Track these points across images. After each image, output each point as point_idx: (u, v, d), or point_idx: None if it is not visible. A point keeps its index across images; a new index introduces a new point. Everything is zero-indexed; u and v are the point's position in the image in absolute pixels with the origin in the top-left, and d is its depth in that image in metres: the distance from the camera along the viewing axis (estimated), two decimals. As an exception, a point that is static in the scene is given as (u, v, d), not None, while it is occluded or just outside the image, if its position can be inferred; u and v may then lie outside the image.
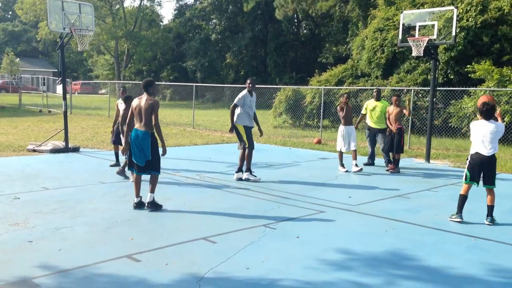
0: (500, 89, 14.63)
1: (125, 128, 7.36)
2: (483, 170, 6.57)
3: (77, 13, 12.25)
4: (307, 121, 21.04)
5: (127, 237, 5.53)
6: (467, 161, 6.71)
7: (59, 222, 6.03)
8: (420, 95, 16.93)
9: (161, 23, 52.96)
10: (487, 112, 6.53)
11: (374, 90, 11.57)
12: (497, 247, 5.58)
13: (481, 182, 6.68)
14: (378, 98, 11.32)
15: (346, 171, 10.38)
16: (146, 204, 6.78)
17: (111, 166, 10.21)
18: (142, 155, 6.75)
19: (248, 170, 9.21)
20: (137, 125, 6.84)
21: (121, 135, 9.14)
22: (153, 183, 6.86)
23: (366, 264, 4.90)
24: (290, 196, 7.89)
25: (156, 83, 7.26)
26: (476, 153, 6.55)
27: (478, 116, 6.67)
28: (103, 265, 4.66)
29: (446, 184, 9.39)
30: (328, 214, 6.83)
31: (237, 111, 9.24)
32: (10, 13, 75.96)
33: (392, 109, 10.74)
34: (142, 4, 49.08)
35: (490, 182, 6.63)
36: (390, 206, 7.40)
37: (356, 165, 10.37)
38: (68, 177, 9.08)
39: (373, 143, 11.48)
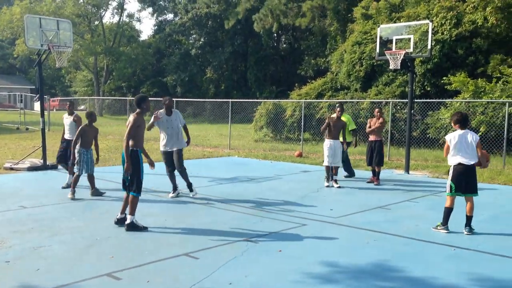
0: (475, 100, 14.93)
1: (77, 147, 8.51)
2: (466, 179, 6.62)
3: (55, 29, 12.15)
4: (288, 135, 21.14)
5: (107, 255, 5.44)
6: (450, 173, 6.72)
7: (37, 241, 5.91)
8: (398, 107, 17.18)
9: (139, 39, 52.84)
10: (464, 121, 6.69)
11: (337, 105, 10.74)
12: (477, 256, 5.65)
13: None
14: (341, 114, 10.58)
15: (327, 186, 10.27)
16: (125, 226, 6.54)
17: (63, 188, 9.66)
18: (124, 172, 6.63)
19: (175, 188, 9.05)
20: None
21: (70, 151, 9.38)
22: (131, 205, 6.54)
23: (351, 277, 4.90)
24: (272, 210, 7.88)
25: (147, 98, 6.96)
26: (459, 163, 6.60)
27: (456, 126, 6.77)
28: (83, 283, 4.57)
29: (425, 194, 9.50)
30: (310, 227, 6.83)
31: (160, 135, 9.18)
32: (-13, 30, 75.01)
33: (375, 121, 10.79)
34: (121, 20, 48.98)
35: (472, 190, 6.72)
36: (371, 218, 7.44)
37: (336, 181, 10.29)
38: (46, 195, 8.92)
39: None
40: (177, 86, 45.85)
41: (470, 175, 6.66)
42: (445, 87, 16.53)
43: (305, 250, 5.77)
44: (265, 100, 23.03)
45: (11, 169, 12.01)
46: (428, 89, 18.23)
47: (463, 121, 6.67)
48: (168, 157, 9.05)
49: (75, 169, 8.93)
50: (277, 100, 22.58)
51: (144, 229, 6.52)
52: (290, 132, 21.02)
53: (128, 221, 6.52)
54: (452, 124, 6.87)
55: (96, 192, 8.92)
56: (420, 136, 16.52)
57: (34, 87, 55.93)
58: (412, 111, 12.69)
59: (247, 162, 14.61)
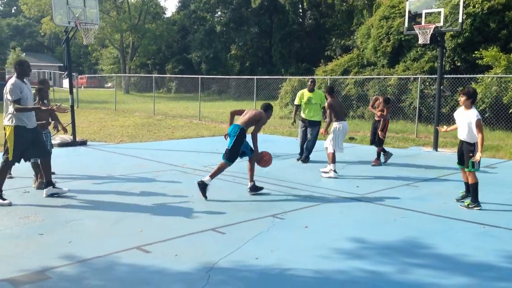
0: (508, 75, 14.49)
1: None
2: (461, 154, 6.86)
3: (81, 7, 12.23)
4: (313, 111, 20.98)
5: (136, 229, 5.55)
6: (478, 150, 6.55)
7: (68, 216, 6.06)
8: (427, 83, 16.81)
9: (164, 16, 52.77)
10: (475, 96, 6.85)
11: (309, 80, 10.60)
12: (507, 233, 5.56)
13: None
14: (312, 89, 10.50)
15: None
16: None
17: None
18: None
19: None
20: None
21: None
22: (218, 168, 7.20)
23: (378, 253, 4.89)
24: (297, 186, 7.88)
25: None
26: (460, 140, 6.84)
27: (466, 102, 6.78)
28: (114, 255, 4.69)
29: (453, 172, 9.33)
30: (336, 204, 6.82)
31: None
32: (15, 8, 76.08)
33: (379, 104, 10.21)
34: (146, -4, 48.94)
35: (467, 164, 6.72)
36: (398, 195, 7.38)
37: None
38: (76, 170, 9.11)
39: (305, 136, 10.53)
40: (202, 63, 45.87)
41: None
42: (477, 61, 16.07)
43: (330, 226, 5.77)
44: (290, 77, 22.83)
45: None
46: (459, 64, 17.76)
47: (475, 95, 6.82)
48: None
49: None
50: (302, 77, 22.36)
51: (260, 188, 7.40)
52: (316, 109, 20.85)
53: (203, 180, 7.05)
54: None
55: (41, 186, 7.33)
56: (449, 112, 16.13)
57: (62, 64, 56.79)
58: (442, 87, 12.41)
59: (272, 139, 14.59)
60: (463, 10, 11.90)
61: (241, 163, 9.10)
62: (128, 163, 9.99)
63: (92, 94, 39.29)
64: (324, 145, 9.25)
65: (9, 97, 6.44)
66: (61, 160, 10.37)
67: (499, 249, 5.01)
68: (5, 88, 6.55)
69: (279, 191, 7.59)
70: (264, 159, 7.66)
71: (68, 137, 12.75)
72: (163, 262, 4.55)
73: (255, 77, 19.64)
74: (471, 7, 16.97)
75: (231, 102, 31.41)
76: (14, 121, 6.50)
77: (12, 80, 6.58)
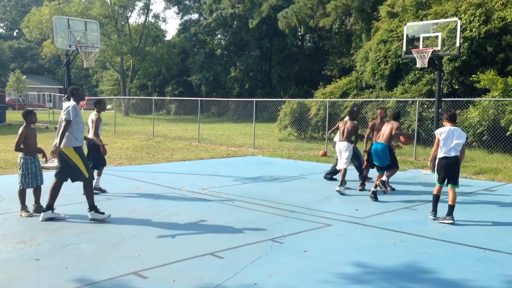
0: (505, 99, 14.58)
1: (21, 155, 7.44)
2: (451, 171, 7.17)
3: (83, 30, 12.37)
4: (312, 134, 21.04)
5: (134, 253, 5.50)
6: (436, 166, 7.32)
7: (65, 239, 6.01)
8: (425, 105, 16.89)
9: (165, 39, 53.31)
10: (454, 117, 7.36)
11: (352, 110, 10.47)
12: (507, 258, 5.51)
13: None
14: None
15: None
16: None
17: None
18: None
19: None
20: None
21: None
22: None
23: (380, 278, 4.84)
24: (296, 210, 7.85)
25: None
26: (446, 157, 7.16)
27: (445, 123, 7.36)
28: (110, 282, 4.63)
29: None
30: (335, 227, 6.78)
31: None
32: (17, 31, 76.91)
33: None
34: (147, 20, 49.52)
35: (456, 182, 7.21)
36: (398, 219, 7.34)
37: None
38: (74, 193, 9.06)
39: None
40: (202, 85, 46.13)
41: (456, 167, 7.22)
42: (474, 85, 16.18)
43: (330, 250, 5.72)
44: (289, 99, 22.96)
45: (41, 168, 12.23)
46: (456, 87, 17.87)
47: (453, 117, 7.35)
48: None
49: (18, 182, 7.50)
50: (301, 99, 22.49)
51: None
52: (315, 131, 20.91)
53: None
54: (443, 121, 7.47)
55: (39, 210, 7.36)
56: (447, 135, 16.21)
57: (62, 86, 57.09)
58: (440, 110, 12.46)
59: (271, 161, 14.59)
60: (460, 34, 12.04)
61: (239, 188, 9.11)
62: (127, 185, 9.95)
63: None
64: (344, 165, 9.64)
65: (65, 116, 6.85)
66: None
67: (500, 273, 4.97)
68: (63, 111, 6.99)
69: (278, 214, 7.55)
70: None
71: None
72: (161, 288, 4.50)
73: (254, 99, 19.74)
74: (468, 31, 17.17)
75: (231, 124, 31.52)
76: (71, 143, 6.94)
77: (71, 103, 6.99)
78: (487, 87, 15.70)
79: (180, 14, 53.54)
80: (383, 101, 18.11)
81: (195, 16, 53.92)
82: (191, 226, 6.78)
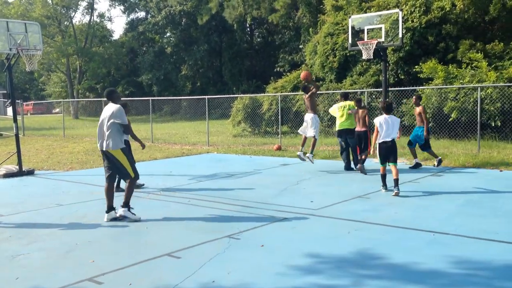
0: (447, 86, 15.17)
1: None
2: (390, 152, 8.49)
3: (23, 32, 11.90)
4: (266, 128, 21.17)
5: (88, 259, 5.38)
6: (378, 151, 8.54)
7: (15, 250, 5.80)
8: (373, 96, 17.34)
9: (112, 38, 52.11)
10: (388, 107, 8.56)
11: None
12: (456, 240, 5.75)
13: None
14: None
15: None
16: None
17: None
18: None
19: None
20: None
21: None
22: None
23: (333, 267, 4.95)
24: (253, 205, 7.89)
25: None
26: (384, 141, 8.40)
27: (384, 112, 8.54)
28: (64, 290, 4.52)
29: (403, 181, 9.61)
30: (291, 220, 6.87)
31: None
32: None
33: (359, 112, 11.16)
34: (92, 20, 48.22)
35: (395, 160, 8.53)
36: (351, 208, 7.52)
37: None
38: (23, 201, 8.77)
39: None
40: (153, 85, 45.48)
41: (394, 148, 8.59)
42: (418, 75, 16.75)
43: (287, 243, 5.80)
44: (241, 95, 23.00)
45: (-15, 177, 11.74)
46: (402, 77, 18.44)
47: (387, 107, 8.53)
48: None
49: None
50: (253, 95, 22.57)
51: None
52: (268, 126, 21.06)
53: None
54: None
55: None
56: (396, 124, 16.70)
57: (5, 92, 54.79)
58: (387, 99, 12.80)
59: (226, 158, 14.59)
60: (402, 25, 12.41)
61: (195, 186, 9.06)
62: (79, 190, 9.70)
63: (40, 121, 38.11)
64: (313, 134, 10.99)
65: (119, 120, 7.03)
66: (6, 191, 9.97)
67: (449, 255, 5.18)
68: (111, 113, 7.04)
69: (235, 210, 7.57)
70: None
71: (14, 167, 12.27)
72: (117, 293, 4.43)
73: (206, 96, 19.65)
74: (410, 22, 17.74)
75: (184, 122, 31.26)
76: (120, 145, 7.11)
77: (116, 106, 7.13)
78: (430, 76, 16.28)
79: (126, 12, 52.50)
80: (333, 93, 18.44)
81: (141, 14, 53.06)
82: (147, 228, 6.70)
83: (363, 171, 10.79)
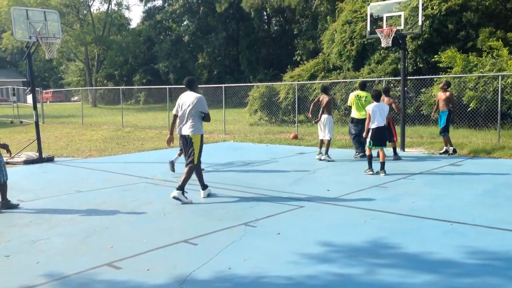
0: (465, 75, 14.93)
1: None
2: (384, 137, 9.42)
3: (42, 21, 12.03)
4: (283, 117, 21.14)
5: (106, 245, 5.47)
6: (369, 133, 9.28)
7: (35, 235, 5.93)
8: (391, 84, 17.16)
9: (129, 27, 52.32)
10: (377, 95, 9.44)
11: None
12: (473, 230, 5.71)
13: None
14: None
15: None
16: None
17: None
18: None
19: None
20: None
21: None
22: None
23: (346, 256, 4.96)
24: (269, 193, 7.92)
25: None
26: (378, 127, 9.20)
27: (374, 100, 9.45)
28: (84, 274, 4.61)
29: (422, 171, 9.56)
30: (307, 209, 6.88)
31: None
32: (-26, 23, 74.12)
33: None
34: (110, 8, 48.44)
35: (385, 144, 9.48)
36: (368, 197, 7.50)
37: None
38: (43, 188, 8.93)
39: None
40: (170, 72, 45.62)
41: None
42: (437, 65, 16.52)
43: (302, 231, 5.82)
44: (257, 84, 22.95)
45: (7, 163, 11.96)
46: (421, 65, 18.20)
47: (375, 96, 9.42)
48: None
49: None
50: (270, 83, 22.51)
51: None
52: (285, 115, 21.01)
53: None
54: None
55: (8, 205, 7.36)
56: (414, 113, 16.55)
57: (26, 80, 55.53)
58: (406, 88, 12.68)
59: (242, 146, 14.63)
60: (422, 12, 12.23)
61: (211, 174, 9.12)
62: (97, 177, 9.84)
63: (58, 109, 38.59)
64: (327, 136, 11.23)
65: (202, 109, 7.54)
66: (27, 177, 10.16)
67: (465, 245, 5.15)
68: (194, 101, 7.52)
69: (251, 198, 7.61)
70: None
71: (34, 154, 12.48)
72: (135, 278, 4.51)
73: (223, 85, 19.67)
74: (430, 9, 17.45)
75: (201, 111, 31.28)
76: (201, 131, 7.61)
77: (198, 95, 7.65)
78: (449, 65, 16.03)
79: (144, 1, 52.58)
80: (351, 81, 18.30)
81: (159, 2, 53.08)
82: (164, 214, 6.78)
83: (398, 158, 11.15)
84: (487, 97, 14.35)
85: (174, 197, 7.37)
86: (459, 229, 5.75)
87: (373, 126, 9.26)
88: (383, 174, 9.08)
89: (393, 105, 11.04)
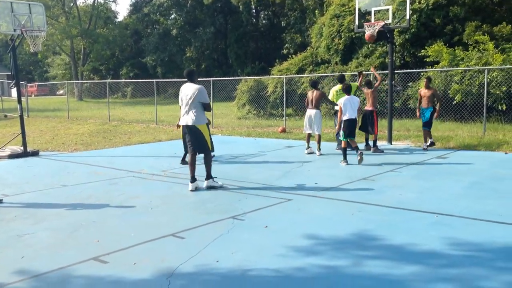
0: (452, 69, 15.03)
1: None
2: (354, 128, 9.89)
3: (27, 13, 11.86)
4: (271, 111, 21.14)
5: (93, 239, 5.43)
6: (342, 126, 9.79)
7: (21, 229, 5.86)
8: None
9: (116, 20, 51.83)
10: (347, 89, 9.90)
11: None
12: (459, 221, 5.76)
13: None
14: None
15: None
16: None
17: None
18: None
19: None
20: None
21: None
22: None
23: (334, 248, 4.97)
24: (257, 186, 7.92)
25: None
26: (349, 118, 9.68)
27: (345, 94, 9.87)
28: (70, 268, 4.57)
29: (408, 163, 9.62)
30: (295, 202, 6.89)
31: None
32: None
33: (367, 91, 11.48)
34: (96, 1, 47.93)
35: (355, 135, 9.91)
36: (356, 189, 7.53)
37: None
38: (28, 182, 8.83)
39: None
40: (157, 66, 45.37)
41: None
42: (424, 59, 16.61)
43: (290, 224, 5.82)
44: (246, 78, 22.90)
45: (-9, 158, 11.82)
46: (408, 59, 18.29)
47: (345, 90, 9.89)
48: None
49: None
50: (258, 77, 22.47)
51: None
52: (273, 108, 21.01)
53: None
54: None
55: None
56: (401, 106, 16.64)
57: (10, 73, 54.82)
58: (393, 82, 12.74)
59: (230, 140, 14.60)
60: (409, 6, 12.26)
61: (199, 168, 9.06)
62: (83, 171, 9.76)
63: (44, 102, 38.17)
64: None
65: (203, 100, 7.73)
66: (12, 172, 10.04)
67: (451, 237, 5.19)
68: (194, 92, 7.67)
69: (239, 192, 7.60)
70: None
71: (18, 148, 12.34)
72: (121, 272, 4.47)
73: (211, 79, 19.58)
74: (417, 3, 17.52)
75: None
76: (205, 120, 7.91)
77: (199, 86, 7.76)
78: (435, 59, 16.14)
79: (131, -7, 52.09)
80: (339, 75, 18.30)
81: (146, -5, 52.59)
82: (151, 208, 6.74)
83: (378, 151, 11.22)
84: (472, 91, 14.47)
85: (207, 187, 7.85)
86: (446, 221, 5.80)
87: (344, 118, 9.73)
88: (360, 154, 9.54)
89: (376, 75, 11.91)
